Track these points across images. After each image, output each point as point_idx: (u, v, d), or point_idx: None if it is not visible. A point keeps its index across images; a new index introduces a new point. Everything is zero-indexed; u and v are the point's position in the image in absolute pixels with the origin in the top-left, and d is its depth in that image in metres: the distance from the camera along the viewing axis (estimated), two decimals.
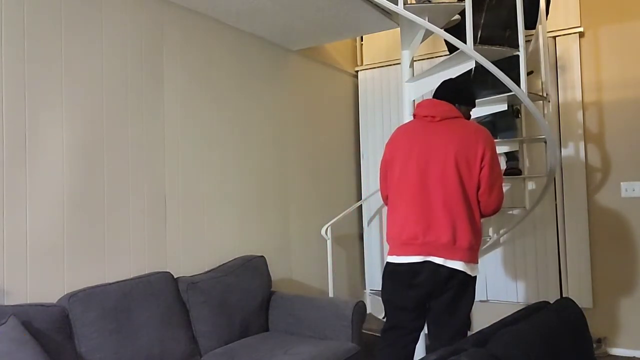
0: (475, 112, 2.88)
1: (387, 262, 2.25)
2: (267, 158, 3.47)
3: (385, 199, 2.37)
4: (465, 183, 2.11)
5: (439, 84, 2.38)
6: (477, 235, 2.15)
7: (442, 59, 2.81)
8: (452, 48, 2.91)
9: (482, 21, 2.85)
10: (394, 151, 2.27)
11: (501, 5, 3.05)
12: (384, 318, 2.39)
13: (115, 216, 2.46)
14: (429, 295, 2.17)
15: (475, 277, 2.18)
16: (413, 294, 2.18)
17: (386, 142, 2.36)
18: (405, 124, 2.39)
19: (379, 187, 2.45)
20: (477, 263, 2.18)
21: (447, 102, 2.24)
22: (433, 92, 2.36)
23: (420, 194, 2.13)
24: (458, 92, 2.30)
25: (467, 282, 2.14)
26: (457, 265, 2.09)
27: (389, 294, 2.28)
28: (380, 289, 2.41)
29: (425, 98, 3.92)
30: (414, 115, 2.31)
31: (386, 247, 4.58)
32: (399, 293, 2.22)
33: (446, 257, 2.08)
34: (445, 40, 2.81)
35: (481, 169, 2.12)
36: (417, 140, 2.19)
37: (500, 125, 3.33)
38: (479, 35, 2.85)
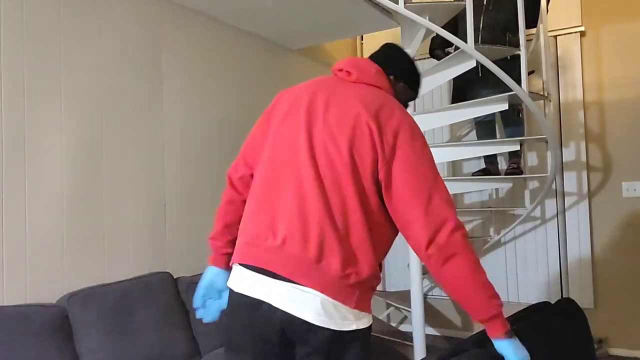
0: (476, 112, 2.88)
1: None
2: None
3: (239, 180, 1.55)
4: (361, 170, 1.27)
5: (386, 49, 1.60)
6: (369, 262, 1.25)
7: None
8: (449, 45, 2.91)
9: (480, 24, 2.84)
10: (275, 111, 1.48)
11: (499, 9, 3.05)
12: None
13: (115, 216, 2.46)
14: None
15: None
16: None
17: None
18: (310, 80, 1.56)
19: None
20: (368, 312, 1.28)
21: (379, 66, 1.48)
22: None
23: (285, 178, 1.32)
24: (403, 63, 1.56)
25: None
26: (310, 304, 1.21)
27: None
28: (380, 289, 2.37)
29: (424, 99, 3.96)
30: (332, 71, 1.54)
31: None
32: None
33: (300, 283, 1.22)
34: (430, 48, 2.79)
35: (392, 159, 1.27)
36: (309, 100, 1.40)
37: (506, 121, 3.32)
38: (479, 37, 2.85)
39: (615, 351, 3.46)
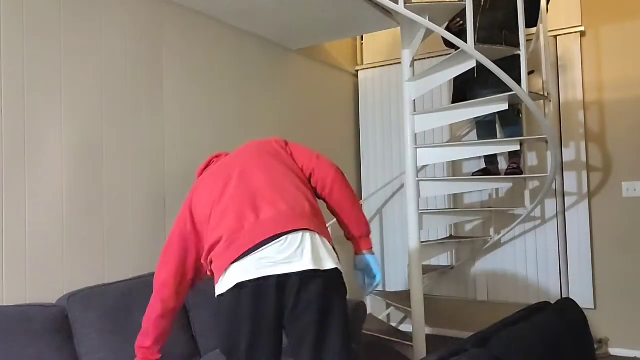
0: (476, 112, 2.88)
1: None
2: None
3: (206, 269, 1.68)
4: (285, 159, 1.67)
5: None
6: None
7: (442, 58, 2.80)
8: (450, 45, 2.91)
9: (477, 24, 2.84)
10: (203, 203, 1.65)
11: (495, 8, 3.05)
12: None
13: (115, 216, 2.46)
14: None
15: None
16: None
17: None
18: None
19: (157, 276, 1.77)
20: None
21: None
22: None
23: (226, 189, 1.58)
24: None
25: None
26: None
27: None
28: (380, 289, 2.38)
29: (424, 99, 3.96)
30: (199, 179, 1.81)
31: (387, 246, 4.56)
32: None
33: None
34: (444, 39, 2.80)
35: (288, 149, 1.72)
36: (215, 176, 1.68)
37: (505, 121, 3.32)
38: (475, 37, 2.85)
39: (615, 351, 3.46)
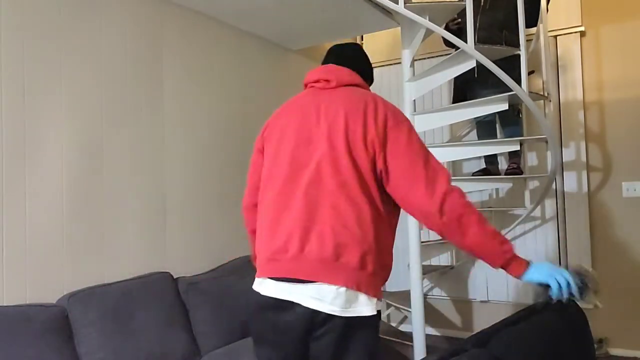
0: (476, 112, 2.88)
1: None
2: None
3: (248, 210, 1.73)
4: (363, 169, 1.41)
5: (338, 50, 1.72)
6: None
7: (442, 58, 2.80)
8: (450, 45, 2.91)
9: (477, 24, 2.84)
10: (269, 135, 1.60)
11: (495, 8, 3.05)
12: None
13: (115, 216, 2.46)
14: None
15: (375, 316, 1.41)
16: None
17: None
18: (290, 99, 1.68)
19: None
20: (379, 298, 1.44)
21: (346, 68, 1.61)
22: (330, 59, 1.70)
23: (295, 182, 1.44)
24: (366, 63, 1.71)
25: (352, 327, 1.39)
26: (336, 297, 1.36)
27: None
28: (383, 289, 2.34)
29: (424, 99, 3.96)
30: (305, 85, 1.69)
31: None
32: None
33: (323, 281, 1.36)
34: (444, 39, 2.80)
35: (385, 143, 1.42)
36: (301, 114, 1.52)
37: (505, 121, 3.32)
38: (476, 37, 2.85)
39: (615, 351, 3.46)
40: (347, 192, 1.38)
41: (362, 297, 1.38)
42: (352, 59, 1.66)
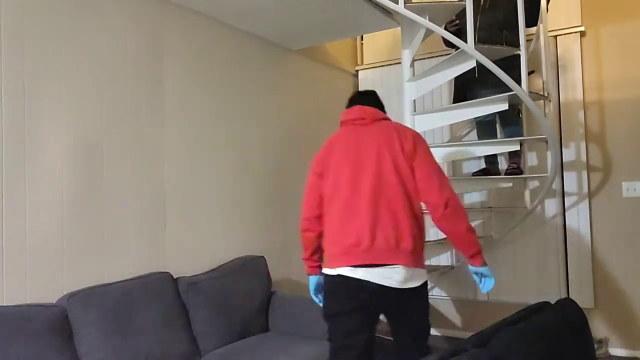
0: (476, 112, 2.88)
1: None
2: (267, 158, 3.47)
3: (311, 220, 2.16)
4: (404, 178, 2.00)
5: (363, 95, 2.30)
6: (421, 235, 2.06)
7: (442, 58, 2.80)
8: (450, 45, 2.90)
9: (477, 24, 2.84)
10: (326, 162, 2.12)
11: (495, 8, 3.05)
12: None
13: (115, 216, 2.46)
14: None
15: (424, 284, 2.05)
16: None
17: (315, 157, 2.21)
18: (334, 134, 2.23)
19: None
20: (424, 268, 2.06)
21: (373, 107, 2.19)
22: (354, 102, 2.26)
23: (356, 195, 2.00)
24: (380, 102, 2.27)
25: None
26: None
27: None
28: None
29: (424, 99, 3.96)
30: (342, 123, 2.22)
31: None
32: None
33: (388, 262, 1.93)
34: (444, 39, 2.80)
35: (414, 157, 2.01)
36: (349, 145, 2.09)
37: (505, 121, 3.32)
38: (476, 37, 2.85)
39: (615, 351, 3.46)
40: (396, 199, 1.96)
41: (416, 271, 1.97)
42: (373, 101, 2.23)
